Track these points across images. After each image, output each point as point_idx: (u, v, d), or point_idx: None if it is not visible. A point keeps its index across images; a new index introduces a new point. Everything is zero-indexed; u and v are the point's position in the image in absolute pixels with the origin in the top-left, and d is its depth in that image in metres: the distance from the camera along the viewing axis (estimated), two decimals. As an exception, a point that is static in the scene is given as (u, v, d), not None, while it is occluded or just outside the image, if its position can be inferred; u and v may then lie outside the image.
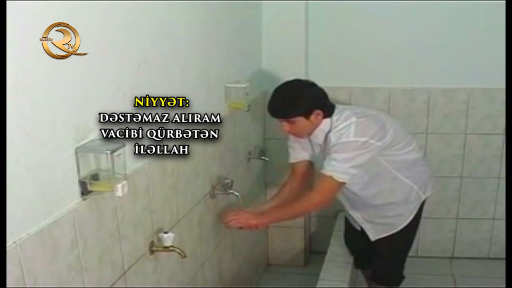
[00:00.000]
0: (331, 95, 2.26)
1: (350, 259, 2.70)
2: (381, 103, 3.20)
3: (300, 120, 2.15)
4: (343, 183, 2.13)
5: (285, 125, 2.19)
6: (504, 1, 2.69)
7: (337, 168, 2.09)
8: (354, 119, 2.12)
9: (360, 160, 2.09)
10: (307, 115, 2.14)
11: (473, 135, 3.24)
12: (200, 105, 2.15)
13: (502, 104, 3.06)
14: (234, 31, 2.56)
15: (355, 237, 2.59)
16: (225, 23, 2.42)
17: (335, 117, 2.17)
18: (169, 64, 1.81)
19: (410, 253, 2.55)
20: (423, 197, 2.37)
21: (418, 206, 2.36)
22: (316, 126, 2.18)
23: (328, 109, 2.18)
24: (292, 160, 2.42)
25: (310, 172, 2.42)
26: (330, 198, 2.21)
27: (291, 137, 2.35)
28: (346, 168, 2.08)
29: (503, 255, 2.94)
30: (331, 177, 2.10)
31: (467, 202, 3.38)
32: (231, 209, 2.36)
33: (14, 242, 1.10)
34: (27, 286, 1.14)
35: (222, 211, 2.41)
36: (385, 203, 2.33)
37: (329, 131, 2.16)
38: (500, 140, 3.22)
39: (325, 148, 2.20)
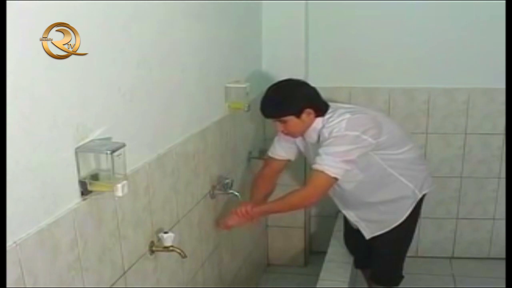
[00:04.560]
0: (331, 95, 2.27)
1: (350, 259, 2.70)
2: (381, 103, 3.20)
3: (292, 120, 2.14)
4: (335, 179, 2.10)
5: (278, 125, 2.20)
6: (504, 1, 2.69)
7: (328, 163, 2.06)
8: (347, 115, 2.11)
9: (352, 155, 2.07)
10: (298, 115, 2.13)
11: (473, 135, 3.24)
12: (200, 105, 2.16)
13: (502, 104, 3.05)
14: (234, 31, 2.56)
15: (354, 237, 2.59)
16: (225, 23, 2.42)
17: (328, 115, 2.16)
18: (169, 64, 1.81)
19: (410, 253, 2.55)
20: (419, 195, 2.35)
21: (414, 204, 2.35)
22: (308, 125, 2.17)
23: (320, 108, 2.17)
24: (274, 155, 2.42)
25: (282, 171, 2.50)
26: (322, 193, 2.17)
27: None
28: (337, 162, 2.06)
29: (503, 255, 2.93)
30: (322, 172, 2.08)
31: (467, 202, 3.38)
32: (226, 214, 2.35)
33: (14, 242, 1.10)
34: (27, 286, 1.14)
35: (219, 217, 2.40)
36: (379, 200, 2.33)
37: (322, 127, 2.14)
38: (500, 140, 3.22)
39: (319, 146, 2.19)
